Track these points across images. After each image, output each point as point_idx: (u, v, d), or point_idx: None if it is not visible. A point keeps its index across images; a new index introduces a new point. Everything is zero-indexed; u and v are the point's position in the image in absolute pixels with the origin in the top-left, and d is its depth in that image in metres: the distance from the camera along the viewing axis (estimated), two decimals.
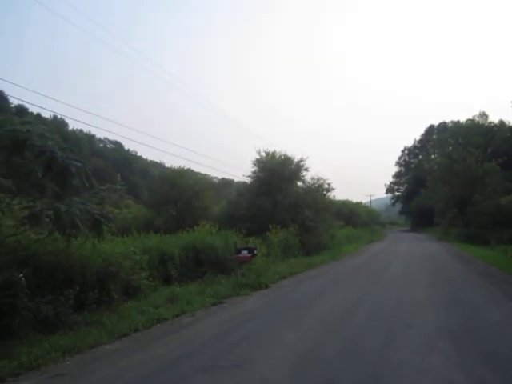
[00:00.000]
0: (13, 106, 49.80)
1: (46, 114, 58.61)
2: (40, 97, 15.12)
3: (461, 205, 40.83)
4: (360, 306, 9.64)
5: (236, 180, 39.53)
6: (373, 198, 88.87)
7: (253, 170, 24.90)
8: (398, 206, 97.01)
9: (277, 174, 23.57)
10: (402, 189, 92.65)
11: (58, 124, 63.36)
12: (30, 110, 48.12)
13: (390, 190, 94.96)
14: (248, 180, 25.63)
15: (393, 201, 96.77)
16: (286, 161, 24.60)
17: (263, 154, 24.79)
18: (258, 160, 24.77)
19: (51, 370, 5.70)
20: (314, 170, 28.54)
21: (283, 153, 24.87)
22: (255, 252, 14.09)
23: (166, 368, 5.65)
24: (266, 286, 12.79)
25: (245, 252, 13.67)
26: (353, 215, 46.25)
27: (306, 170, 25.28)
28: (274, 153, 24.86)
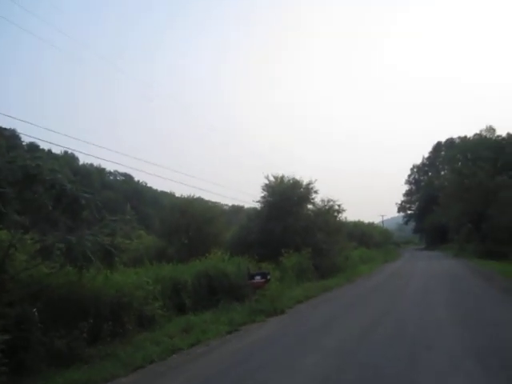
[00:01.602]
0: (24, 143, 50.83)
1: (57, 150, 59.67)
2: (50, 133, 15.36)
3: (475, 220, 40.24)
4: (378, 328, 9.37)
5: (246, 206, 39.47)
6: (385, 218, 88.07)
7: (262, 195, 24.87)
8: (411, 225, 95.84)
9: (286, 197, 23.47)
10: (413, 207, 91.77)
11: (68, 159, 64.45)
12: (41, 147, 49.05)
13: (401, 208, 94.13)
14: (258, 205, 25.57)
15: (405, 219, 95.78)
16: (295, 184, 24.55)
17: (272, 179, 24.77)
18: (266, 185, 24.75)
19: None
20: (324, 192, 28.41)
21: (292, 176, 24.87)
22: (268, 277, 13.92)
23: None
24: (282, 312, 12.55)
25: (258, 277, 13.52)
26: (366, 236, 45.71)
27: (316, 192, 25.17)
28: (282, 177, 24.83)
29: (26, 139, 49.89)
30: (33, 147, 48.44)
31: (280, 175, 24.89)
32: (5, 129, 36.97)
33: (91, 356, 7.45)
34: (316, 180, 24.90)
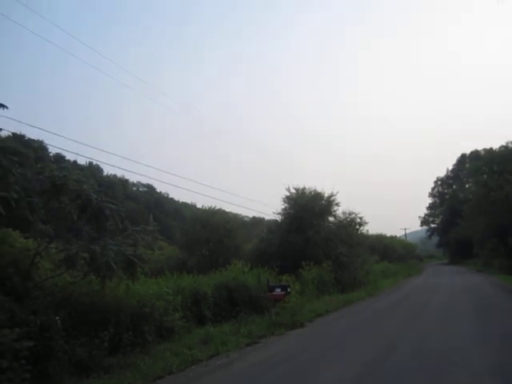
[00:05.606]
0: (51, 154, 52.17)
1: (82, 161, 60.91)
2: (77, 144, 15.74)
3: (501, 234, 39.15)
4: (401, 344, 9.15)
5: (267, 218, 39.41)
6: (408, 232, 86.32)
7: (283, 207, 24.81)
8: (435, 239, 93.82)
9: (307, 209, 23.36)
10: (437, 220, 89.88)
11: (93, 170, 65.75)
12: (67, 158, 50.26)
13: (424, 222, 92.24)
14: (278, 217, 25.51)
15: (429, 233, 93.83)
16: (317, 196, 24.42)
17: (293, 191, 24.73)
18: (287, 197, 24.69)
19: None
20: (346, 205, 28.15)
21: (313, 188, 24.77)
22: (289, 290, 13.82)
23: None
24: (302, 325, 12.43)
25: (278, 290, 13.43)
26: (388, 250, 44.97)
27: (337, 204, 24.97)
28: (303, 189, 24.76)
29: (52, 150, 51.11)
30: (59, 158, 49.63)
31: (301, 187, 24.84)
32: (33, 140, 38.07)
33: (111, 365, 7.51)
34: (338, 192, 24.74)
